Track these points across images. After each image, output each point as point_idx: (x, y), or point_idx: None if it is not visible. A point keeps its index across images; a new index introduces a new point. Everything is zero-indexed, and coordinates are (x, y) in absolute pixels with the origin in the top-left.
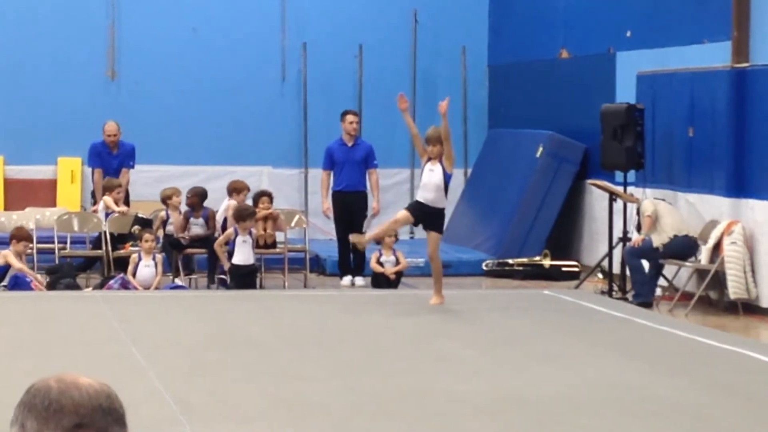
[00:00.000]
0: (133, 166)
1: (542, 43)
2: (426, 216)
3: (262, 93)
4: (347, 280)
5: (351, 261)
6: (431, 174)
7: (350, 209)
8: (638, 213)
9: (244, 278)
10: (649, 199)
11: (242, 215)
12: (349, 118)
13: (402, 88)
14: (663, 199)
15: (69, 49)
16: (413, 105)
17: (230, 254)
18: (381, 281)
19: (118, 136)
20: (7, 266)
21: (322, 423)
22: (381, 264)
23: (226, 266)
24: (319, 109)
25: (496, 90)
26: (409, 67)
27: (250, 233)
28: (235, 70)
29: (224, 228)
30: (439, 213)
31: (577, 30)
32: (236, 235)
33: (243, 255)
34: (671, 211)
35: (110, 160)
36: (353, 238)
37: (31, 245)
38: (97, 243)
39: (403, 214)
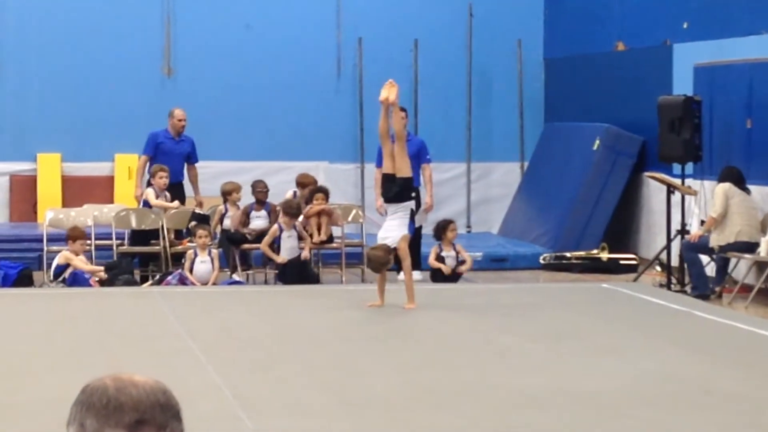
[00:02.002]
0: (197, 160)
1: (598, 35)
2: None
3: (318, 88)
4: (417, 274)
5: None
6: None
7: None
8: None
9: (292, 272)
10: (725, 187)
11: (288, 211)
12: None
13: (457, 83)
14: (746, 189)
15: (125, 47)
16: (468, 99)
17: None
18: (440, 275)
19: (186, 121)
20: (66, 264)
21: (381, 417)
22: (442, 259)
23: (279, 260)
24: (374, 104)
25: (552, 83)
26: (465, 62)
27: (294, 227)
28: (291, 65)
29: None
30: None
31: (633, 22)
32: (281, 231)
33: (288, 250)
34: (745, 210)
35: (173, 146)
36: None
37: (87, 242)
38: (133, 240)
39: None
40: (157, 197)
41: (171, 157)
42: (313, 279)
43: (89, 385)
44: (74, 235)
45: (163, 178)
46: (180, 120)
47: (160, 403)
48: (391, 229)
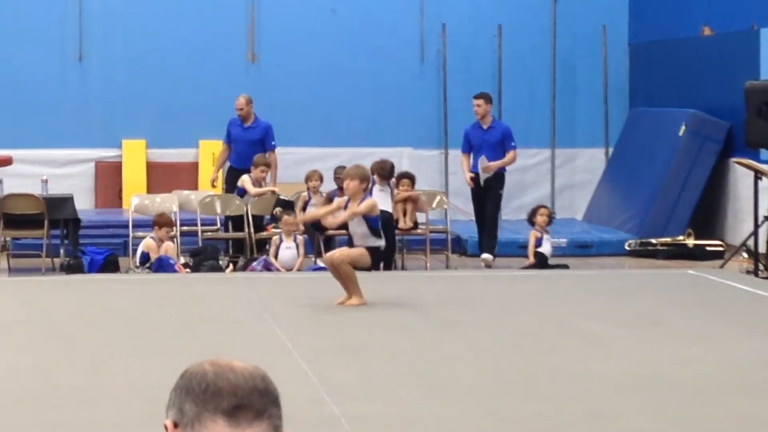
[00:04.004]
0: (275, 147)
1: (684, 20)
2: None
3: (402, 74)
4: (486, 255)
5: None
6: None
7: (487, 191)
8: None
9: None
10: None
11: (382, 173)
12: (474, 101)
13: (541, 68)
14: None
15: (209, 33)
16: (552, 85)
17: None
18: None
19: (244, 109)
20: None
21: (467, 403)
22: (539, 244)
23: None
24: (458, 90)
25: (638, 69)
26: (549, 47)
27: (388, 185)
28: (374, 51)
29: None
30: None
31: (720, 6)
32: (373, 183)
33: (381, 203)
34: None
35: (240, 132)
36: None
37: (172, 230)
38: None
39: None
40: (253, 185)
41: (240, 143)
42: (392, 236)
43: (188, 369)
44: (161, 222)
45: (264, 172)
46: (238, 108)
47: (258, 389)
48: None
